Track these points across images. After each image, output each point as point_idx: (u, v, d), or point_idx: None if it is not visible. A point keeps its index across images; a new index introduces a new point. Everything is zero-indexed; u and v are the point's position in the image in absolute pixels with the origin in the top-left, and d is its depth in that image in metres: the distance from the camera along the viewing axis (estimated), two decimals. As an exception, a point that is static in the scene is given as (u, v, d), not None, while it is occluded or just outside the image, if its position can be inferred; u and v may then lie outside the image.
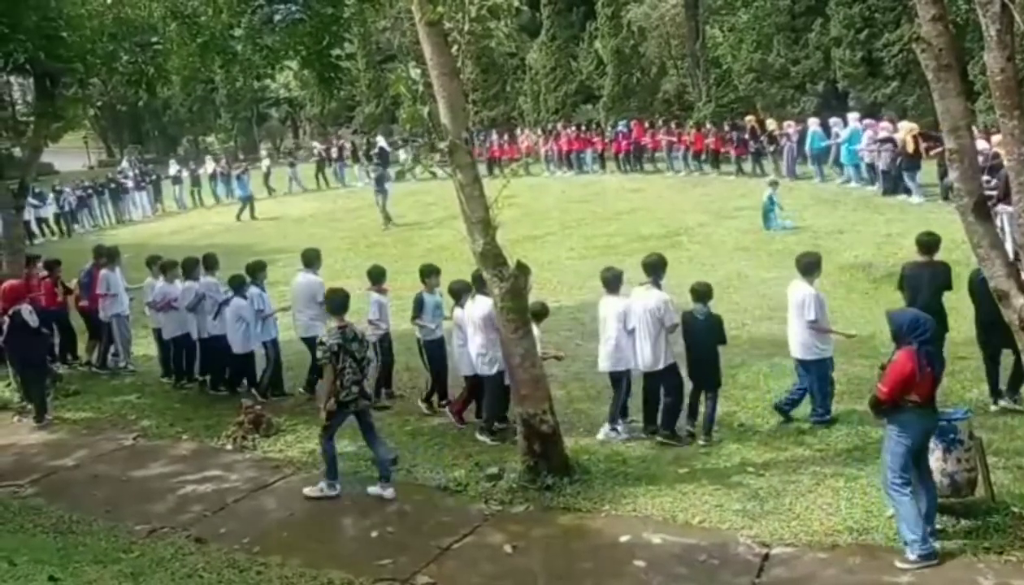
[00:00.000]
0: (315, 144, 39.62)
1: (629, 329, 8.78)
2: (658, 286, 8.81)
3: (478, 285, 9.05)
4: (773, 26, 30.06)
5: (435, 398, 10.22)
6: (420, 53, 8.16)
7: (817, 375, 8.73)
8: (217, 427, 10.11)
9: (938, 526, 6.60)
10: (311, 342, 10.01)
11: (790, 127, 23.64)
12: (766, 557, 6.53)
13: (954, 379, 9.50)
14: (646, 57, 36.53)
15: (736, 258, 16.03)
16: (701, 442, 8.63)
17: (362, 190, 29.06)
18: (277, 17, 13.32)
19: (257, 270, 11.11)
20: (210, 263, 11.81)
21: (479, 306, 9.07)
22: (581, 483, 7.91)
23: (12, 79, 16.08)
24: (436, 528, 7.39)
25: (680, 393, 8.82)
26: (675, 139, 27.22)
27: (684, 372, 8.88)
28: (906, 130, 19.31)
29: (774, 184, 18.68)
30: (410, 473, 8.59)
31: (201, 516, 8.02)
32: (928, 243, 9.17)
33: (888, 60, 26.38)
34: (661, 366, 8.70)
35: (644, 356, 8.73)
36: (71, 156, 41.30)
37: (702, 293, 8.74)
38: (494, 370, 9.08)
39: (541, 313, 9.28)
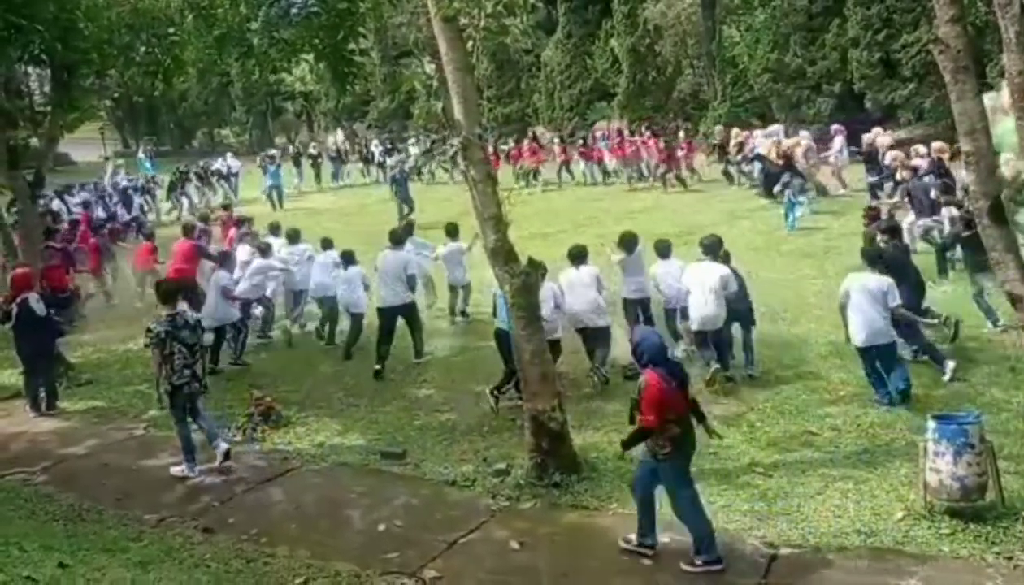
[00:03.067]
0: (312, 145, 39.66)
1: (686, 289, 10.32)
2: (715, 261, 10.21)
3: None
4: (790, 26, 29.91)
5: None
6: (435, 49, 8.16)
7: (891, 359, 9.12)
8: (227, 418, 10.15)
9: (947, 530, 6.59)
10: (406, 309, 11.73)
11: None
12: (773, 558, 6.51)
13: (966, 382, 9.48)
14: (662, 56, 36.39)
15: (748, 258, 15.91)
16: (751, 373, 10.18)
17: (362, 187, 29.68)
18: (293, 11, 13.31)
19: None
20: (327, 244, 13.61)
21: (589, 270, 10.62)
22: (589, 481, 7.91)
23: (29, 69, 16.12)
24: (443, 523, 7.40)
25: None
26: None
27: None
28: (767, 147, 21.07)
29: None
30: (418, 467, 8.62)
31: (210, 506, 8.06)
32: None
33: (906, 62, 26.20)
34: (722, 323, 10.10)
35: (712, 314, 9.97)
36: (87, 147, 41.50)
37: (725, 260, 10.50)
38: (609, 321, 10.49)
39: (668, 249, 11.08)
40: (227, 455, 8.79)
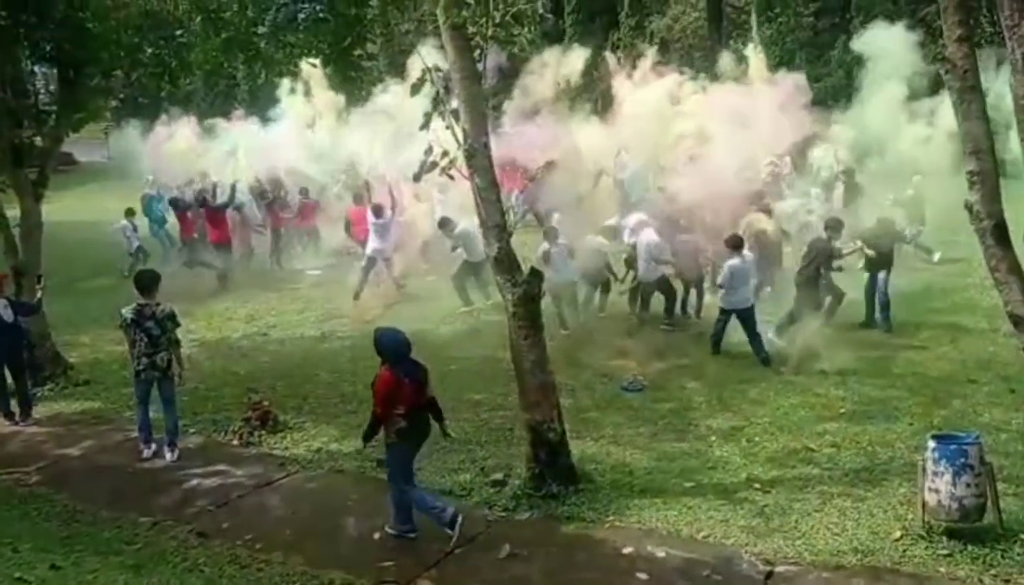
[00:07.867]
0: None
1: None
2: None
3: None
4: (796, 42, 29.95)
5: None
6: (443, 56, 8.16)
7: (751, 323, 11.47)
8: (224, 422, 10.13)
9: (944, 551, 6.56)
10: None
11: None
12: (770, 575, 6.48)
13: (966, 402, 9.50)
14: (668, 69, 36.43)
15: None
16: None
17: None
18: (301, 16, 13.38)
19: None
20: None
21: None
22: (586, 493, 7.88)
23: (35, 68, 16.14)
24: (439, 532, 7.35)
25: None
26: None
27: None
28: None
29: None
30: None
31: (204, 511, 8.03)
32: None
33: (911, 80, 26.22)
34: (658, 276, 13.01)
35: (649, 269, 12.99)
36: (91, 147, 41.49)
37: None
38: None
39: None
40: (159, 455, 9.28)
